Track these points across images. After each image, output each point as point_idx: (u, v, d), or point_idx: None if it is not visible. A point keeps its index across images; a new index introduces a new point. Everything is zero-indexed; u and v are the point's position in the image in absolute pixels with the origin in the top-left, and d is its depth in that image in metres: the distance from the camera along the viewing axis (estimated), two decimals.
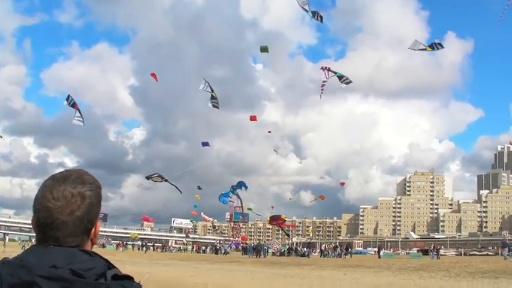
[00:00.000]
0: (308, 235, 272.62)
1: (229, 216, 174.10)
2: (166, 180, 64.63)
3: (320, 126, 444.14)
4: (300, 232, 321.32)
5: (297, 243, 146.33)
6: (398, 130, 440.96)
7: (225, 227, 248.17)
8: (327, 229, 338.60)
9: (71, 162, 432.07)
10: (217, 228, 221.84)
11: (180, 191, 66.37)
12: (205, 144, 76.94)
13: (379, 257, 68.90)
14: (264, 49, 48.36)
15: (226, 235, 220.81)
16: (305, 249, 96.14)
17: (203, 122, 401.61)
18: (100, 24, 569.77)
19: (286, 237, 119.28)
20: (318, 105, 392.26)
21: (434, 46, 43.35)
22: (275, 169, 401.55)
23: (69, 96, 46.50)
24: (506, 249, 59.13)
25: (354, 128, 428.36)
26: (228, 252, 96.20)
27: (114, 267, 1.99)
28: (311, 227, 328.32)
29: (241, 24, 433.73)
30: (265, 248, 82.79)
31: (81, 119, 46.13)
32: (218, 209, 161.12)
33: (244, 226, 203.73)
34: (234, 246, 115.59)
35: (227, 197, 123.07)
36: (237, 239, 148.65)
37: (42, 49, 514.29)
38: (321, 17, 44.08)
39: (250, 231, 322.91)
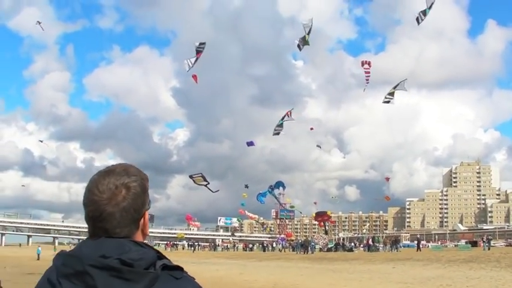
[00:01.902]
0: (355, 230, 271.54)
1: (274, 214, 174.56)
2: (207, 184, 64.82)
3: (363, 120, 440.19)
4: (346, 227, 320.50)
5: (343, 238, 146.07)
6: (442, 121, 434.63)
7: (271, 224, 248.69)
8: (374, 223, 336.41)
9: None
10: (265, 226, 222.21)
11: (212, 191, 66.41)
12: (250, 144, 77.10)
13: (419, 250, 67.86)
14: (305, 42, 48.31)
15: (272, 232, 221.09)
16: (352, 244, 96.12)
17: (245, 120, 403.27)
18: (140, 28, 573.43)
19: (324, 233, 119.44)
20: (359, 99, 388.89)
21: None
22: (319, 165, 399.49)
23: (201, 43, 47.10)
24: None
25: (396, 121, 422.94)
26: (280, 249, 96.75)
27: (165, 258, 2.00)
28: (357, 221, 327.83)
29: (279, 21, 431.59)
30: (313, 243, 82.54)
31: (191, 64, 46.61)
32: (263, 206, 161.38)
33: (290, 223, 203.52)
34: (280, 243, 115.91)
35: (264, 197, 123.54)
36: (282, 235, 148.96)
37: (85, 55, 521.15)
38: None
39: (297, 228, 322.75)
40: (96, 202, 2.02)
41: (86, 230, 2.06)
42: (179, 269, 2.00)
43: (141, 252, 1.97)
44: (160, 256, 2.00)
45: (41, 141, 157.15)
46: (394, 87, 43.69)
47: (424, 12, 41.35)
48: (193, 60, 46.35)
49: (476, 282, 23.99)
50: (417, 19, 42.32)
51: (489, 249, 59.64)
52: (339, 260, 47.69)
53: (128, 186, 2.04)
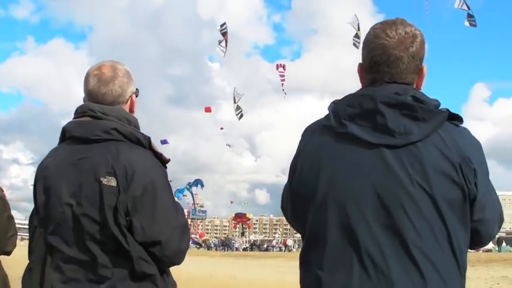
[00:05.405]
0: (265, 232, 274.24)
1: (186, 213, 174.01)
2: None
3: (275, 125, 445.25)
4: (257, 230, 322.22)
5: (254, 240, 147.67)
6: None
7: None
8: (284, 227, 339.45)
9: (25, 159, 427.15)
10: None
11: None
12: (164, 142, 77.29)
13: None
14: None
15: None
16: (265, 245, 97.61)
17: (159, 119, 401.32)
18: (56, 20, 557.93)
19: (241, 235, 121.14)
20: (273, 104, 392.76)
21: None
22: (230, 167, 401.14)
23: (224, 23, 45.96)
24: None
25: None
26: (198, 247, 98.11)
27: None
28: (268, 224, 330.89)
29: (198, 23, 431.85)
30: (233, 242, 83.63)
31: (224, 49, 45.37)
32: None
33: (201, 223, 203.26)
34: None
35: (182, 193, 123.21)
36: (193, 235, 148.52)
37: None
38: None
39: (208, 228, 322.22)
40: (385, 46, 2.09)
41: None
42: (460, 119, 2.08)
43: (426, 96, 2.07)
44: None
45: None
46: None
47: None
48: (223, 43, 45.80)
49: None
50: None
51: None
52: (263, 258, 48.15)
53: (414, 34, 2.12)
